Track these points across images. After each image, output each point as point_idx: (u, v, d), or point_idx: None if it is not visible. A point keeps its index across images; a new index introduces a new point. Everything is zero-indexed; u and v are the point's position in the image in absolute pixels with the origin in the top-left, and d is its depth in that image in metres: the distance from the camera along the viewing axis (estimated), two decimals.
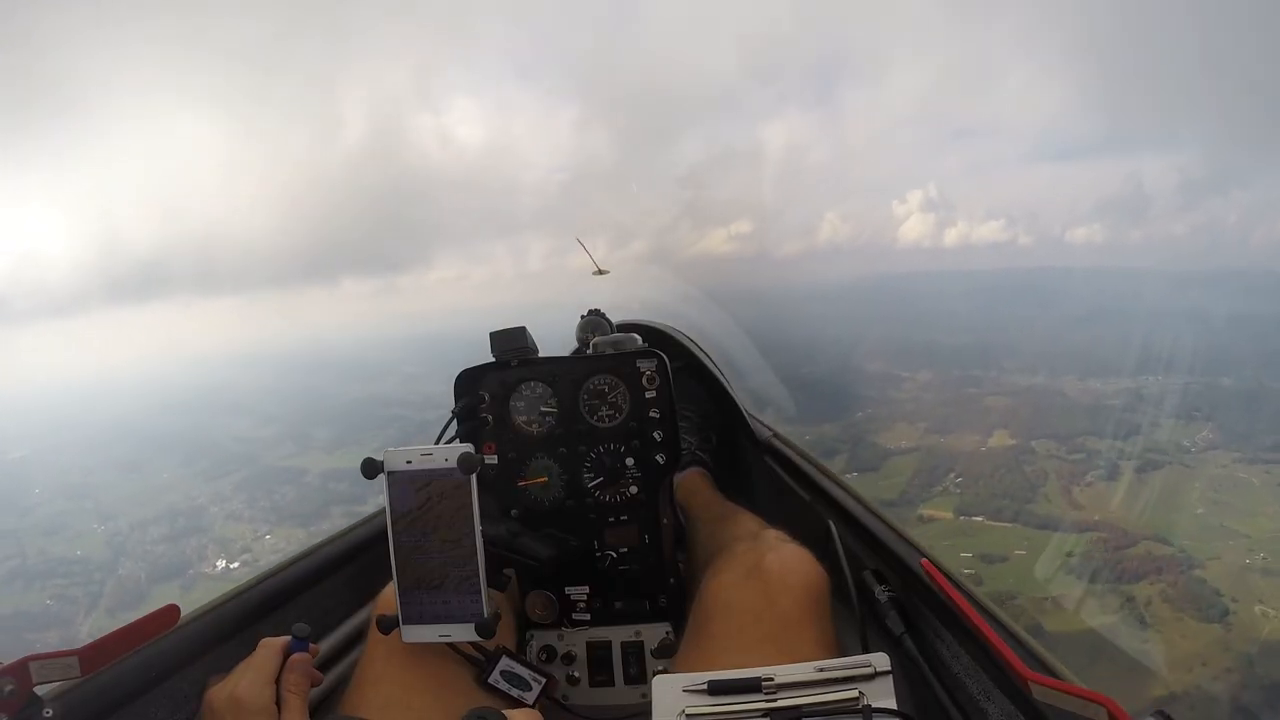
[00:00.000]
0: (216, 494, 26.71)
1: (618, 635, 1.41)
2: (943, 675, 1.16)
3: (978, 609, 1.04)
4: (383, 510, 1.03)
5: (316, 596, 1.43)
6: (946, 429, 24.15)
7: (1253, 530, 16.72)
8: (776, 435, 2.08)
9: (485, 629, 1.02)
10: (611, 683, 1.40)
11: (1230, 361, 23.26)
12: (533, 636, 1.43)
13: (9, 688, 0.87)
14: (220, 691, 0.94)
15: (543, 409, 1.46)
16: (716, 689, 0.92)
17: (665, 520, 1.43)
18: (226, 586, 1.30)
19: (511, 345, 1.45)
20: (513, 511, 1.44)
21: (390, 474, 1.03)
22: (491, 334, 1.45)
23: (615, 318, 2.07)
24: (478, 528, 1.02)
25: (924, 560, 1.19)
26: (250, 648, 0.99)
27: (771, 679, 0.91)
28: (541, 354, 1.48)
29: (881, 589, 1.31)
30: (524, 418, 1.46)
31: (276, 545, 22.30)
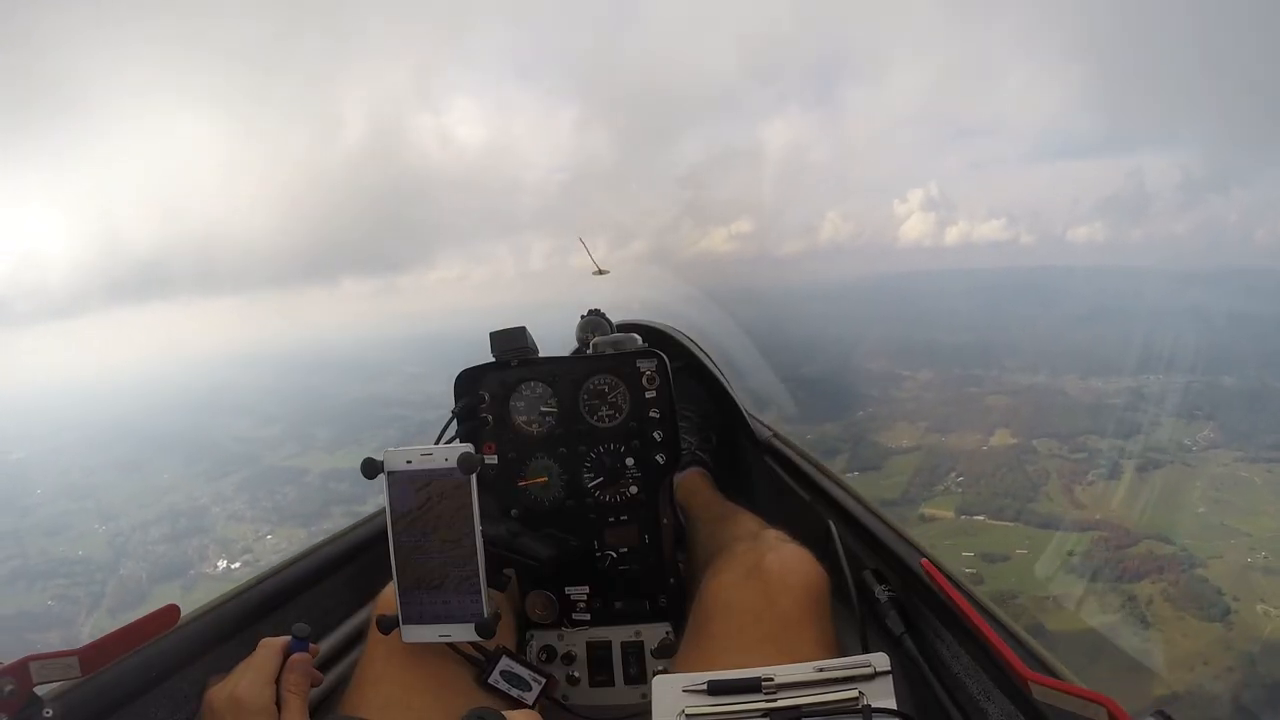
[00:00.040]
0: (218, 494, 26.75)
1: (618, 635, 1.41)
2: (943, 675, 1.16)
3: (978, 609, 1.04)
4: (383, 510, 1.03)
5: (316, 596, 1.43)
6: (948, 428, 24.13)
7: (1254, 529, 16.69)
8: (776, 435, 2.08)
9: (485, 629, 1.02)
10: (611, 683, 1.40)
11: (1231, 360, 23.22)
12: (533, 636, 1.43)
13: (9, 688, 0.87)
14: (220, 691, 0.94)
15: (543, 409, 1.46)
16: (716, 689, 0.92)
17: (665, 520, 1.42)
18: (228, 587, 1.30)
19: (511, 345, 1.45)
20: (513, 511, 1.44)
21: (390, 474, 1.03)
22: (491, 334, 1.45)
23: (615, 318, 2.07)
24: (478, 528, 1.02)
25: (924, 560, 1.19)
26: (250, 648, 0.99)
27: (771, 679, 0.91)
28: (541, 354, 1.48)
29: (881, 589, 1.31)
30: (524, 418, 1.46)
31: (278, 545, 22.31)
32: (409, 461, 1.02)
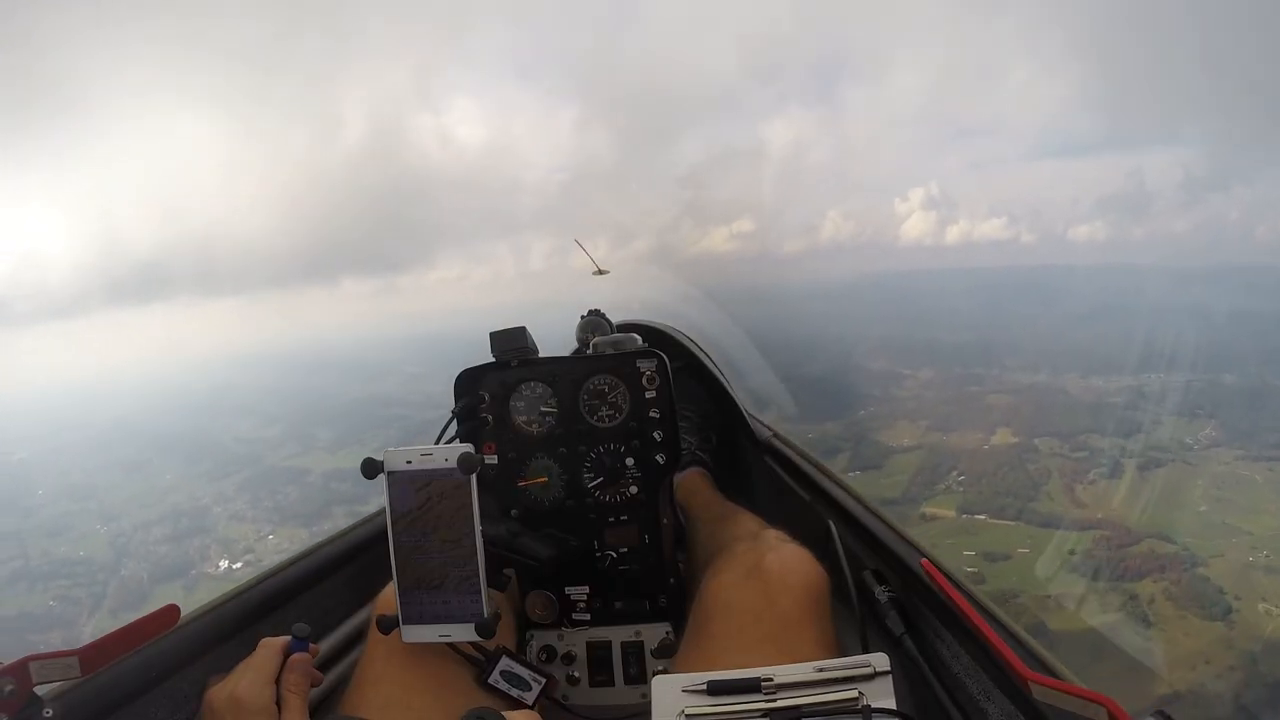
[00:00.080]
0: (219, 494, 26.75)
1: (618, 635, 1.41)
2: (943, 675, 1.16)
3: (978, 609, 1.04)
4: (383, 510, 1.03)
5: (316, 596, 1.43)
6: (949, 427, 24.10)
7: (1256, 528, 16.66)
8: (776, 435, 2.08)
9: (485, 629, 1.02)
10: (611, 683, 1.40)
11: (1232, 358, 23.18)
12: (533, 636, 1.43)
13: (9, 688, 0.87)
14: (220, 691, 0.94)
15: (543, 409, 1.46)
16: (716, 689, 0.92)
17: (665, 520, 1.42)
18: (230, 587, 1.30)
19: (511, 345, 1.45)
20: (513, 511, 1.44)
21: (390, 474, 1.03)
22: (491, 334, 1.45)
23: (615, 318, 2.07)
24: (478, 528, 1.02)
25: (924, 560, 1.19)
26: (250, 648, 0.99)
27: (771, 679, 0.91)
28: (541, 354, 1.48)
29: (881, 589, 1.31)
30: (524, 418, 1.46)
31: (279, 545, 22.31)
32: (409, 462, 1.02)
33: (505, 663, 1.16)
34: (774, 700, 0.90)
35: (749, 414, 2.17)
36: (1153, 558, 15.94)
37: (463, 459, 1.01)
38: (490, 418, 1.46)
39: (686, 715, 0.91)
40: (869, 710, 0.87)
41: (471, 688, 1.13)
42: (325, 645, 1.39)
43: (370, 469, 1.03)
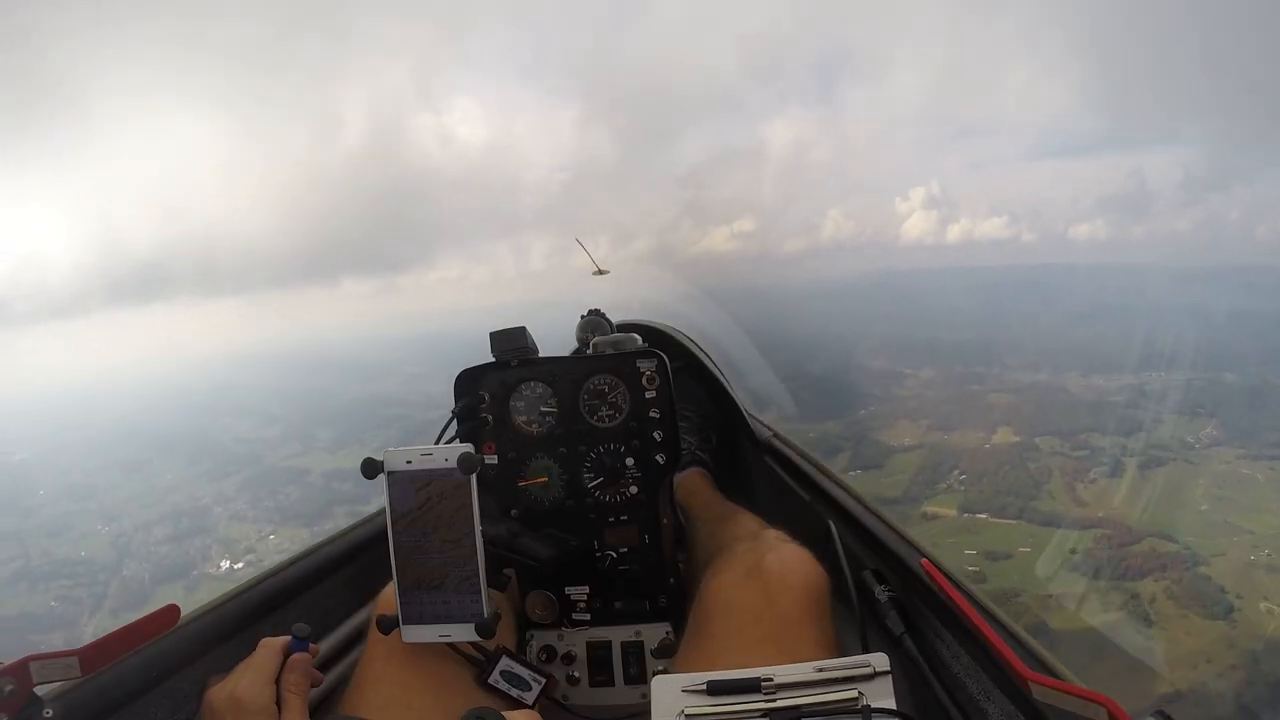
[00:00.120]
0: (220, 494, 26.77)
1: (618, 635, 1.41)
2: (943, 675, 1.16)
3: (978, 609, 1.04)
4: (383, 510, 1.03)
5: (316, 596, 1.43)
6: (950, 426, 24.09)
7: (1257, 526, 16.65)
8: (776, 435, 2.08)
9: (485, 629, 1.02)
10: (611, 683, 1.40)
11: (1233, 357, 23.15)
12: (533, 636, 1.43)
13: (9, 688, 0.87)
14: (220, 691, 0.94)
15: (543, 409, 1.46)
16: (716, 689, 0.92)
17: (665, 520, 1.42)
18: (231, 587, 1.30)
19: (511, 345, 1.45)
20: (513, 511, 1.44)
21: (390, 474, 1.03)
22: (491, 334, 1.45)
23: (615, 318, 2.07)
24: (478, 528, 1.02)
25: (924, 560, 1.19)
26: (250, 648, 0.99)
27: (771, 679, 0.91)
28: (541, 354, 1.48)
29: (881, 589, 1.31)
30: (524, 418, 1.46)
31: (280, 545, 22.32)
32: (409, 461, 1.02)
33: (505, 663, 1.16)
34: (774, 700, 0.90)
35: (749, 414, 2.16)
36: (1154, 557, 15.93)
37: (463, 459, 1.01)
38: (490, 418, 1.46)
39: (686, 715, 0.91)
40: (869, 710, 0.87)
41: (471, 688, 1.13)
42: (325, 645, 1.39)
43: (370, 469, 1.03)
